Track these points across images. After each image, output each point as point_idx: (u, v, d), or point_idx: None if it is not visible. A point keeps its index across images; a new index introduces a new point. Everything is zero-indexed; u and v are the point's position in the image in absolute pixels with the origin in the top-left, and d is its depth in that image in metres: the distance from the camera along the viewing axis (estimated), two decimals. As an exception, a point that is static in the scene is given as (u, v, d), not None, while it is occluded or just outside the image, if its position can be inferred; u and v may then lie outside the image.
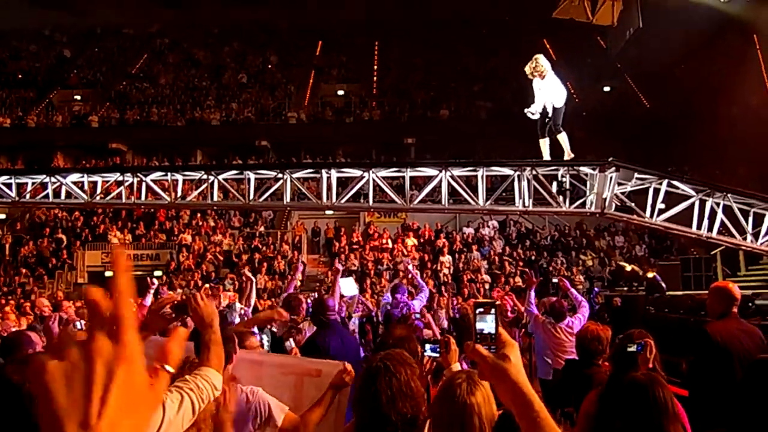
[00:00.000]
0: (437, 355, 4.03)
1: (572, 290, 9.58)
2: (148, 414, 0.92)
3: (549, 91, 10.95)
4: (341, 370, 4.49)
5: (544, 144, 11.39)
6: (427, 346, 4.23)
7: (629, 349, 4.38)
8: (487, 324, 1.77)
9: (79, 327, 7.10)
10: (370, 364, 2.99)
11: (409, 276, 15.30)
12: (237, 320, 8.20)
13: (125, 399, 0.87)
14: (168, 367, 1.02)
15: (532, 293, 9.36)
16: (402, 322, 6.50)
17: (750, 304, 8.89)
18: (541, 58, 10.97)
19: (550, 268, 23.91)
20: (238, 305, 8.93)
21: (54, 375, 0.86)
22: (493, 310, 1.80)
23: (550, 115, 11.04)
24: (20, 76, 38.54)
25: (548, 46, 32.62)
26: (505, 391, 1.60)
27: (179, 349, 1.06)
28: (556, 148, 11.59)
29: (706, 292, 6.29)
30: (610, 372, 4.49)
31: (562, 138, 11.26)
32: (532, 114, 11.13)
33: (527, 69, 11.04)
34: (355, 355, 6.43)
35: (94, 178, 13.24)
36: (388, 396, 2.78)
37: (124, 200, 12.96)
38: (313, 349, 6.04)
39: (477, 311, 1.82)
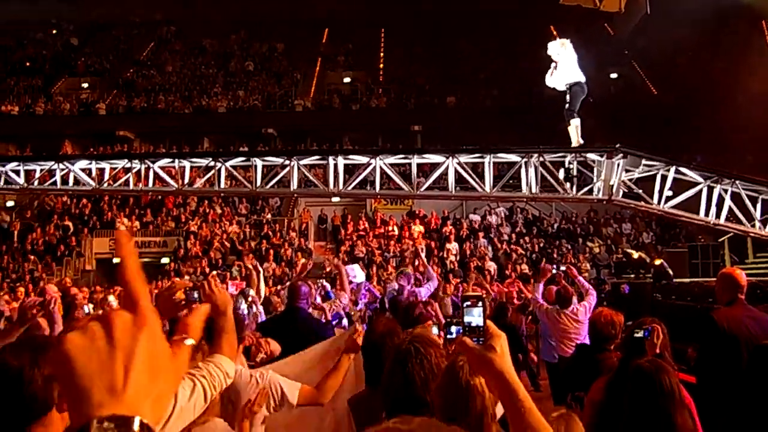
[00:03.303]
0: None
1: (579, 278, 9.57)
2: (173, 381, 0.93)
3: (564, 66, 11.05)
4: (352, 333, 4.50)
5: (571, 129, 11.39)
6: (453, 328, 4.26)
7: (636, 335, 4.39)
8: (474, 317, 1.80)
9: (87, 311, 7.13)
10: (399, 346, 2.99)
11: (417, 264, 15.36)
12: (244, 306, 8.27)
13: (149, 366, 0.87)
14: (189, 340, 1.02)
15: (542, 284, 9.34)
16: (410, 310, 6.50)
17: (758, 291, 8.88)
18: (569, 42, 11.31)
19: (557, 256, 23.92)
20: (251, 291, 8.95)
21: (75, 346, 0.86)
22: (480, 303, 1.83)
23: (568, 99, 11.13)
24: (27, 64, 38.57)
25: (555, 32, 32.45)
26: (491, 380, 1.64)
27: (199, 322, 1.07)
28: (566, 135, 11.58)
29: (714, 279, 6.30)
30: (619, 359, 4.49)
31: (575, 123, 11.26)
32: (550, 77, 11.26)
33: (550, 43, 11.30)
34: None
35: (102, 165, 13.24)
36: (422, 378, 2.79)
37: (131, 187, 13.02)
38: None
39: (464, 304, 1.84)
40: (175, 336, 1.02)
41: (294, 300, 6.77)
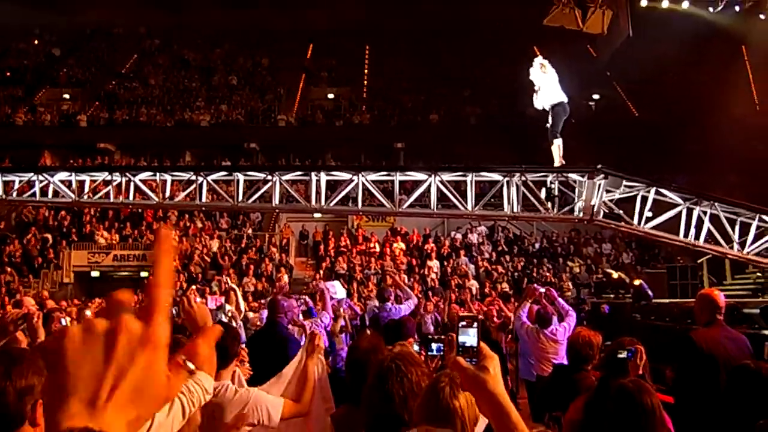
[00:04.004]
0: (442, 353, 4.09)
1: (559, 300, 9.56)
2: (156, 406, 0.87)
3: (546, 88, 11.19)
4: (310, 334, 4.53)
5: (554, 148, 11.50)
6: (433, 345, 4.25)
7: (620, 356, 4.39)
8: (469, 337, 1.79)
9: (64, 324, 7.05)
10: (381, 364, 2.99)
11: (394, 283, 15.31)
12: (224, 320, 8.22)
13: (137, 389, 0.82)
14: (190, 365, 0.96)
15: (528, 303, 9.33)
16: (391, 327, 6.47)
17: (735, 312, 8.93)
18: (547, 62, 11.50)
19: (537, 275, 23.97)
20: (227, 307, 8.92)
21: (74, 346, 0.82)
22: (475, 324, 1.82)
23: (550, 119, 11.27)
24: (8, 73, 38.26)
25: (538, 53, 32.68)
26: (484, 401, 1.64)
27: (209, 349, 0.99)
28: (548, 155, 11.67)
29: (693, 300, 6.34)
30: (598, 378, 4.50)
31: (557, 143, 11.36)
32: (536, 99, 11.43)
33: (531, 69, 11.43)
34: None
35: (82, 177, 13.17)
36: (401, 396, 2.79)
37: (112, 200, 12.94)
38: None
39: (460, 324, 1.83)
40: (179, 357, 0.95)
41: (274, 314, 6.85)
